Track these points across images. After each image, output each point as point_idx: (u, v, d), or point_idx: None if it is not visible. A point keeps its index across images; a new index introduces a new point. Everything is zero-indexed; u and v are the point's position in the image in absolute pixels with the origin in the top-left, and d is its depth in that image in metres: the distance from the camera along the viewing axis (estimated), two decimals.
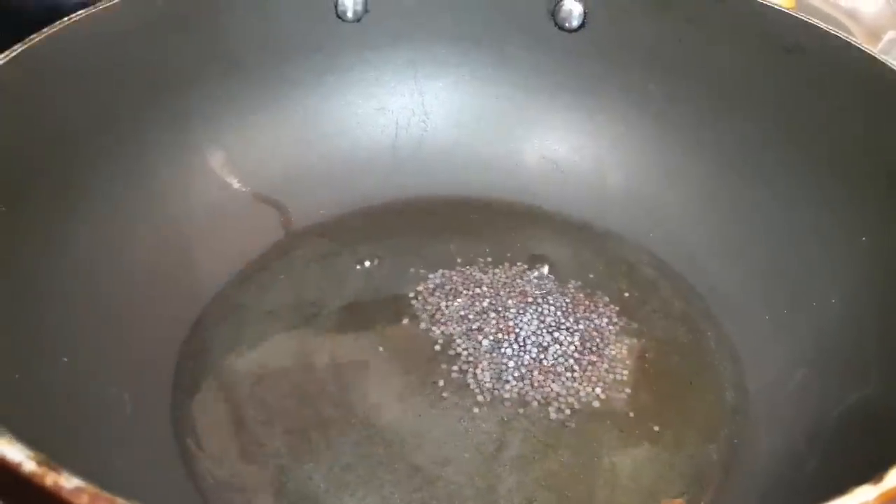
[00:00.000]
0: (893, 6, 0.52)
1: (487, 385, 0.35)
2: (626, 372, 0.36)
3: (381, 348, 0.36)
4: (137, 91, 0.37)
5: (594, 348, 0.37)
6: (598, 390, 0.35)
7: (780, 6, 0.38)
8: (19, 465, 0.19)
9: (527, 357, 0.36)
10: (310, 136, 0.44)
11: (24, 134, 0.32)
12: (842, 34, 0.36)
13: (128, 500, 0.18)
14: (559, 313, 0.38)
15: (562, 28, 0.43)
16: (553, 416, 0.34)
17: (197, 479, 0.31)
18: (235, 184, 0.41)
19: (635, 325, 0.38)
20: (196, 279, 0.38)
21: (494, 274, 0.40)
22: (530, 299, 0.39)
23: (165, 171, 0.38)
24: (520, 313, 0.38)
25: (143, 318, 0.34)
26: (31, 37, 0.32)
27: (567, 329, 0.37)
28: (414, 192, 0.44)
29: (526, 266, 0.41)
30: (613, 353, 0.37)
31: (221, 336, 0.36)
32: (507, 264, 0.41)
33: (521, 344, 0.36)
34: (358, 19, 0.43)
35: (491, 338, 0.37)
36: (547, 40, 0.43)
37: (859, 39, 0.39)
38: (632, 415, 0.34)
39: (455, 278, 0.40)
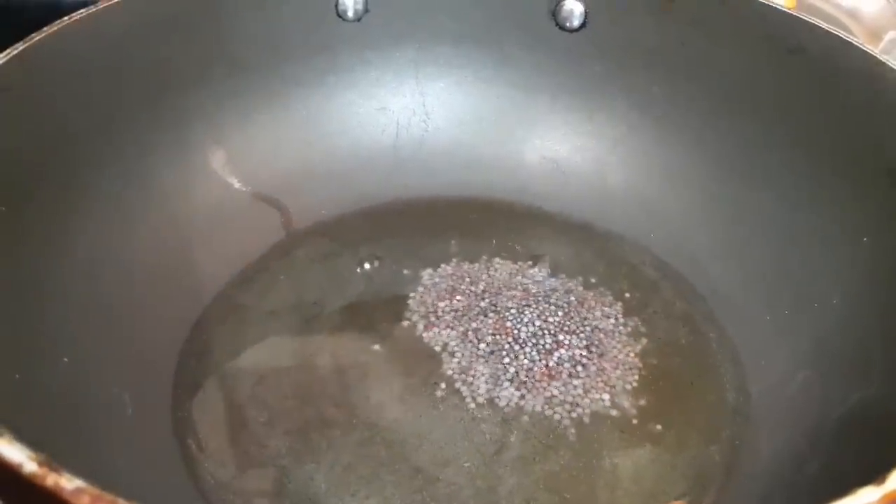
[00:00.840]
0: (894, 6, 0.52)
1: (488, 386, 0.35)
2: (627, 373, 0.36)
3: (382, 349, 0.36)
4: (138, 91, 0.37)
5: (595, 349, 0.37)
6: (599, 391, 0.35)
7: (781, 6, 0.38)
8: (20, 465, 0.19)
9: (527, 358, 0.36)
10: (311, 136, 0.44)
11: (24, 134, 0.32)
12: (843, 34, 0.36)
13: (128, 501, 0.18)
14: (560, 314, 0.38)
15: (563, 28, 0.43)
16: (553, 417, 0.34)
17: (198, 480, 0.30)
18: (236, 184, 0.41)
19: (636, 327, 0.38)
20: (197, 279, 0.38)
21: (495, 274, 0.40)
22: (531, 300, 0.39)
23: (166, 170, 0.38)
24: (520, 314, 0.38)
25: (144, 319, 0.34)
26: (32, 36, 0.32)
27: (567, 330, 0.37)
28: (415, 193, 0.44)
29: (526, 266, 0.41)
30: (614, 354, 0.37)
31: (222, 336, 0.36)
32: (507, 264, 0.41)
33: (522, 345, 0.36)
34: (358, 19, 0.43)
35: (491, 339, 0.37)
36: (548, 40, 0.43)
37: (860, 39, 0.38)
38: (633, 416, 0.34)
39: (456, 278, 0.40)
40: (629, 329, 0.38)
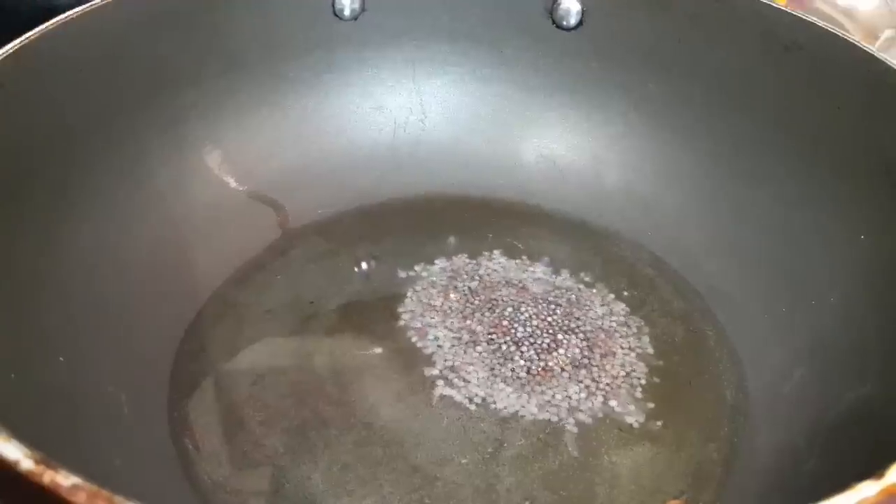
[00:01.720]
0: (890, 4, 0.52)
1: (486, 384, 0.35)
2: (625, 372, 0.36)
3: (379, 348, 0.36)
4: (134, 89, 0.37)
5: (593, 347, 0.37)
6: (596, 389, 0.35)
7: (778, 4, 0.38)
8: (17, 462, 0.18)
9: (524, 356, 0.36)
10: (307, 134, 0.44)
11: (19, 132, 0.31)
12: (840, 32, 0.36)
13: (125, 498, 0.18)
14: (557, 312, 0.38)
15: (559, 26, 0.43)
16: (551, 415, 0.34)
17: (194, 480, 0.30)
18: (233, 183, 0.41)
19: (634, 325, 0.38)
20: (193, 278, 0.38)
21: (492, 273, 0.40)
22: (528, 298, 0.39)
23: (162, 169, 0.38)
24: (518, 312, 0.38)
25: (141, 318, 0.34)
26: (28, 34, 0.32)
27: (565, 328, 0.37)
28: (412, 191, 0.44)
29: (524, 265, 0.41)
30: (612, 352, 0.37)
31: (219, 336, 0.36)
32: (504, 263, 0.41)
33: (519, 343, 0.36)
34: (355, 18, 0.43)
35: (488, 337, 0.37)
36: (545, 39, 0.43)
37: (856, 38, 0.38)
38: (631, 414, 0.34)
39: (453, 277, 0.40)
40: (627, 327, 0.38)
